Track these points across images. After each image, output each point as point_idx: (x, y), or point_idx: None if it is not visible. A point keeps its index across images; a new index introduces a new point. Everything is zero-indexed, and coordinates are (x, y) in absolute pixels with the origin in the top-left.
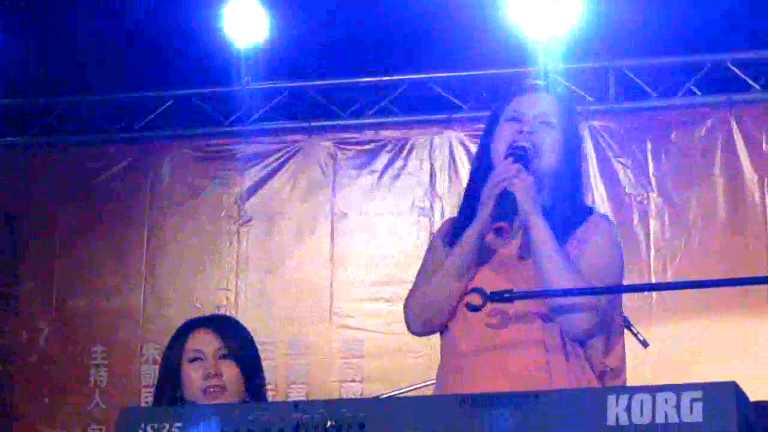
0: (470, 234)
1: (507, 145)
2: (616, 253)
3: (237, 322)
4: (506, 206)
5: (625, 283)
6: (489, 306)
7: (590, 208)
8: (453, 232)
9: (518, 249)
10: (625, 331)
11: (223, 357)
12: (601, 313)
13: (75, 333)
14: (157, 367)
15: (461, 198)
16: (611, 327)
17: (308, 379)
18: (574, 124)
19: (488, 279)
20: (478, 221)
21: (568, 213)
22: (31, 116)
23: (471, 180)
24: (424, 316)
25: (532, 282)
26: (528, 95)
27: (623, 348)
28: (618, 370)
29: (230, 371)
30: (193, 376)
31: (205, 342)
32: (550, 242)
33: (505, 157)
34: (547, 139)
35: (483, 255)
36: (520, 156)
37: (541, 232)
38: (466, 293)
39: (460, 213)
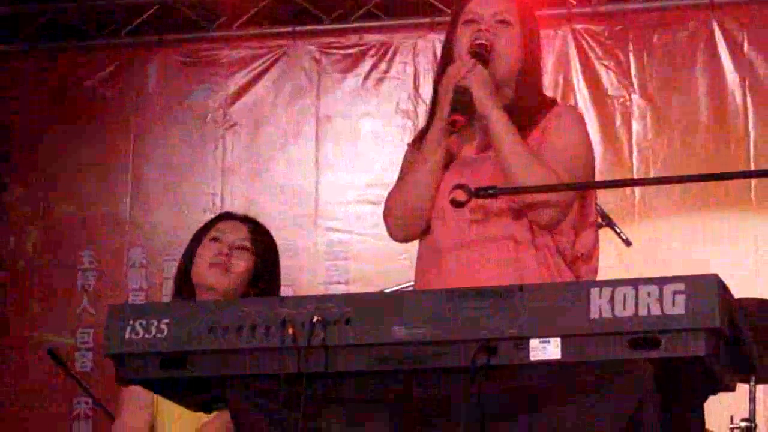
0: (432, 133)
1: (466, 47)
2: (580, 136)
3: (270, 235)
4: (461, 101)
5: None
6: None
7: (554, 100)
8: (419, 136)
9: (477, 146)
10: (609, 230)
11: (242, 248)
12: (569, 203)
13: (62, 239)
14: (144, 271)
15: (428, 105)
16: (583, 218)
17: (294, 281)
18: (533, 22)
19: (452, 180)
20: (437, 119)
21: (532, 106)
22: (16, 23)
23: (434, 86)
24: (402, 220)
25: (495, 177)
26: None
27: (595, 235)
28: (589, 255)
29: (242, 261)
30: (206, 253)
31: (231, 228)
32: (509, 133)
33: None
34: (506, 36)
35: (447, 157)
36: (478, 54)
37: (499, 123)
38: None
39: (427, 119)
